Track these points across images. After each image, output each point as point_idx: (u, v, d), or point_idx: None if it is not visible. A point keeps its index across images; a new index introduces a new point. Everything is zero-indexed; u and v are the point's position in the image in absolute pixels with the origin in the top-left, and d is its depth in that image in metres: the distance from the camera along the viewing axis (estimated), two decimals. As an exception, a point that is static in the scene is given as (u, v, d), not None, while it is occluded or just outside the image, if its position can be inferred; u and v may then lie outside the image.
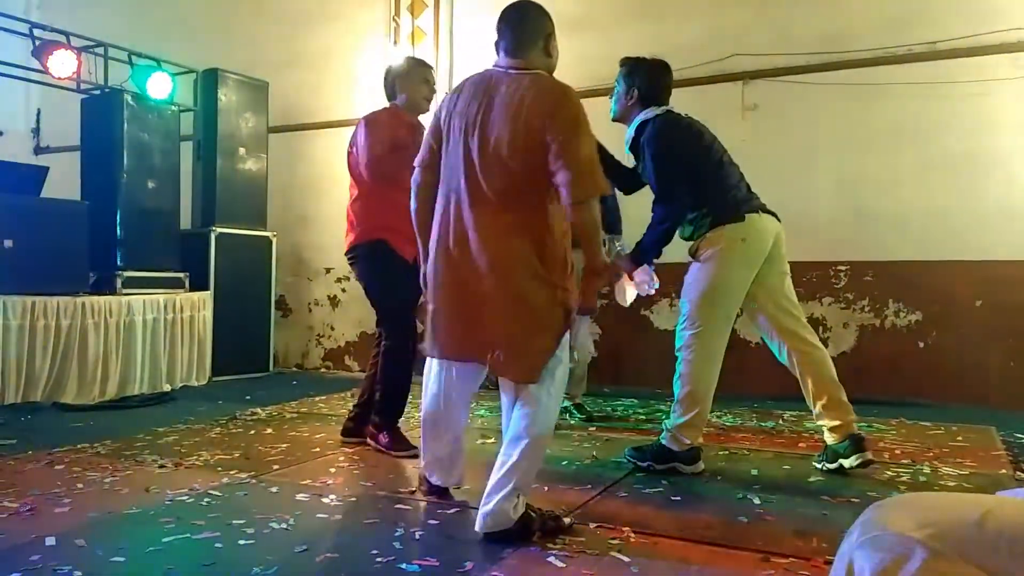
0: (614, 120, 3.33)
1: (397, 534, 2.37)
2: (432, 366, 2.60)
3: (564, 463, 3.31)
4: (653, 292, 3.29)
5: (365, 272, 3.61)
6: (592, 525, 2.46)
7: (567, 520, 2.43)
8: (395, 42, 6.59)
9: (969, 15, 4.94)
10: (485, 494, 2.34)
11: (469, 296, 2.39)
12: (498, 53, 2.50)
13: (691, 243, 3.20)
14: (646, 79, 3.22)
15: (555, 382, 2.38)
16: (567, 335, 2.40)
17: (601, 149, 2.82)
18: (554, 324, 2.35)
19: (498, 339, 2.34)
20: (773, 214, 3.22)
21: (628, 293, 3.08)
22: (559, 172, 2.27)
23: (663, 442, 3.14)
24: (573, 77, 6.49)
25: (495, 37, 2.51)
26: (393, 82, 3.65)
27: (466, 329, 2.42)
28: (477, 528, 2.32)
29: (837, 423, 3.14)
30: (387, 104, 3.69)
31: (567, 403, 4.38)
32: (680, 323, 3.19)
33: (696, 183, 3.11)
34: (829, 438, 3.18)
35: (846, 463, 3.10)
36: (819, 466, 3.20)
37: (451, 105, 2.48)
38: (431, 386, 2.60)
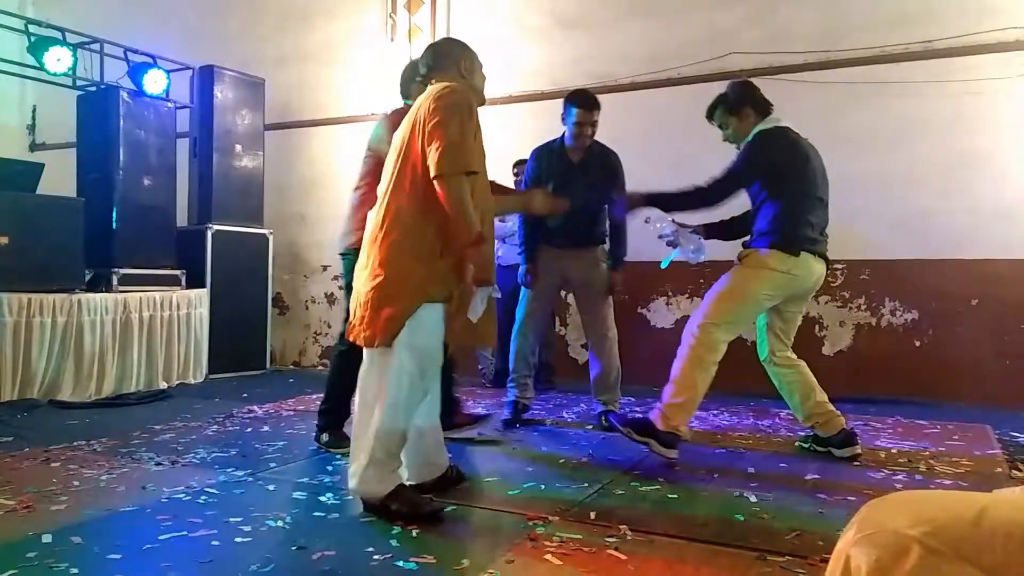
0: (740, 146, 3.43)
1: (394, 532, 2.37)
2: None
3: (561, 461, 3.31)
4: (702, 259, 3.47)
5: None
6: (589, 522, 2.46)
7: (436, 508, 2.52)
8: (392, 39, 6.58)
9: (964, 14, 4.95)
10: (351, 453, 2.60)
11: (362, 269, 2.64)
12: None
13: (742, 249, 3.34)
14: (750, 97, 3.37)
15: (411, 356, 2.49)
16: (428, 316, 2.49)
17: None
18: (405, 297, 2.48)
19: (361, 306, 2.57)
20: (827, 259, 3.37)
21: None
22: (428, 151, 2.46)
23: (651, 417, 3.24)
24: (570, 75, 6.49)
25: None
26: (408, 83, 3.63)
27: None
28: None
29: (824, 420, 3.41)
30: (402, 102, 3.69)
31: (600, 407, 4.14)
32: (697, 312, 3.30)
33: (777, 200, 3.25)
34: (821, 431, 3.44)
35: (836, 452, 3.37)
36: (805, 445, 3.51)
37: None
38: None
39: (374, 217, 2.63)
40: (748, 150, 3.31)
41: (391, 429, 2.51)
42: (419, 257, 2.49)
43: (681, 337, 3.29)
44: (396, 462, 2.58)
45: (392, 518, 2.45)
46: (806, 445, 3.52)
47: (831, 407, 3.40)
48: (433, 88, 2.60)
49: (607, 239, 4.16)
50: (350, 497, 2.73)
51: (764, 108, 3.36)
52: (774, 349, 3.44)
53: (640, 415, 3.38)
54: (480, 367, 5.59)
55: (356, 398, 2.67)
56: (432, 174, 2.44)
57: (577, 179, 3.95)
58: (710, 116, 3.43)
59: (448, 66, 2.71)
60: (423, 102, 2.56)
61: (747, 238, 3.40)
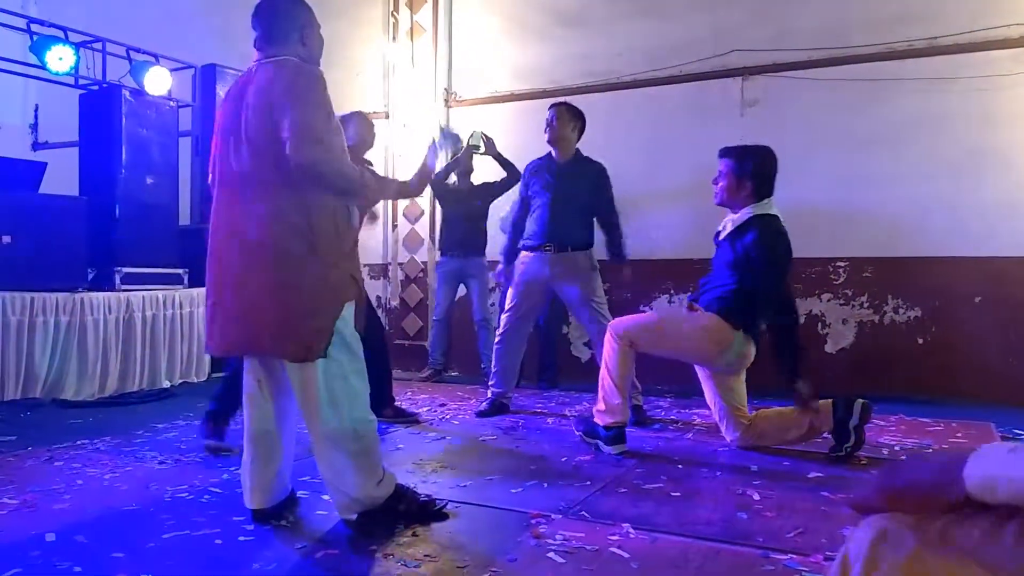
0: (718, 205, 3.42)
1: (397, 530, 2.37)
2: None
3: (563, 459, 3.31)
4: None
5: None
6: (592, 520, 2.46)
7: (440, 507, 2.52)
8: (393, 38, 6.57)
9: (970, 10, 4.93)
10: (336, 490, 2.35)
11: (241, 286, 2.33)
12: (255, 50, 2.47)
13: (691, 303, 3.45)
14: (760, 171, 3.28)
15: (344, 358, 2.32)
16: (349, 314, 2.36)
17: None
18: (328, 304, 2.30)
19: (270, 324, 2.29)
20: (757, 341, 3.38)
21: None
22: (284, 142, 2.23)
23: (596, 421, 3.46)
24: (572, 73, 6.44)
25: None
26: None
27: (244, 319, 2.34)
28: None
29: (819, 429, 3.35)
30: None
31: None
32: (627, 320, 3.49)
33: (745, 281, 3.26)
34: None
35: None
36: (838, 454, 3.29)
37: (220, 107, 2.50)
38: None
39: (229, 211, 2.38)
40: (766, 243, 3.21)
41: (357, 427, 2.33)
42: (331, 262, 2.33)
43: (605, 338, 3.49)
44: (379, 456, 2.41)
45: (398, 518, 2.42)
46: (839, 453, 3.27)
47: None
48: (291, 65, 2.34)
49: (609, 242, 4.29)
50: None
51: (766, 191, 3.30)
52: (739, 416, 3.47)
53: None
54: (482, 366, 5.58)
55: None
56: (291, 164, 2.23)
57: (560, 184, 4.18)
58: (722, 154, 3.39)
59: (289, 34, 2.43)
60: (278, 79, 2.30)
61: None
